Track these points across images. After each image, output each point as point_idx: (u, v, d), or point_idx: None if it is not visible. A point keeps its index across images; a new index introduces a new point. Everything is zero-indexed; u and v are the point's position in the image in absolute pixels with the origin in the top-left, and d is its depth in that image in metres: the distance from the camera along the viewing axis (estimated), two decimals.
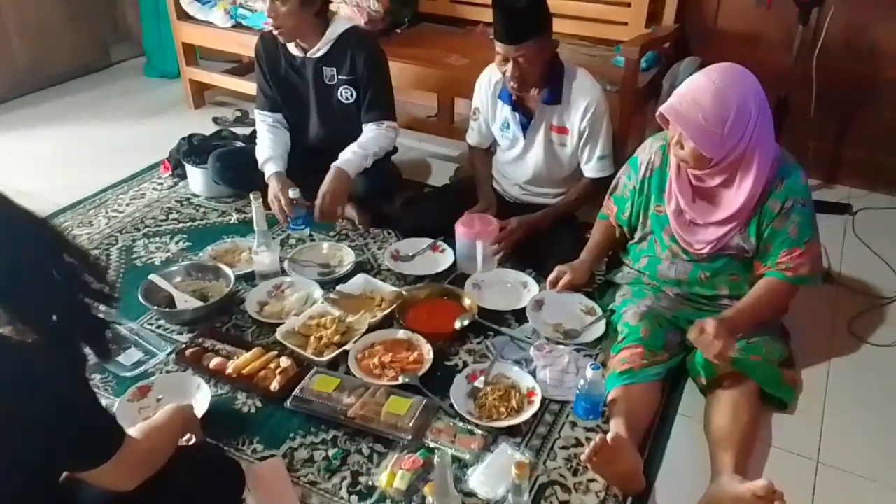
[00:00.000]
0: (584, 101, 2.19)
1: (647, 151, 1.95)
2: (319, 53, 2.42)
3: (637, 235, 2.02)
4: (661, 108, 1.72)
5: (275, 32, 2.37)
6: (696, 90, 1.67)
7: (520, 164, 2.39)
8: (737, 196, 1.75)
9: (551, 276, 2.08)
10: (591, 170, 2.30)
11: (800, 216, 1.74)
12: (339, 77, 2.44)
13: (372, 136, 2.47)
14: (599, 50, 2.96)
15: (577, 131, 2.23)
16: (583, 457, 1.51)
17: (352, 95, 2.47)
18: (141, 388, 1.77)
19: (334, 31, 2.41)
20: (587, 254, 2.10)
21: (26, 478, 1.11)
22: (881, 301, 2.20)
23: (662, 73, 2.82)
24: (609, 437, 1.47)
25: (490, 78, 2.35)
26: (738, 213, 1.76)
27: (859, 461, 1.66)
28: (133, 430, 1.26)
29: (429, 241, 2.40)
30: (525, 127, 2.29)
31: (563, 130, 2.25)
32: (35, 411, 1.04)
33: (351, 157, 2.41)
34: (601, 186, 2.22)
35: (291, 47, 2.44)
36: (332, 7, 2.53)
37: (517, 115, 2.29)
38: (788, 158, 1.78)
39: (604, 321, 2.00)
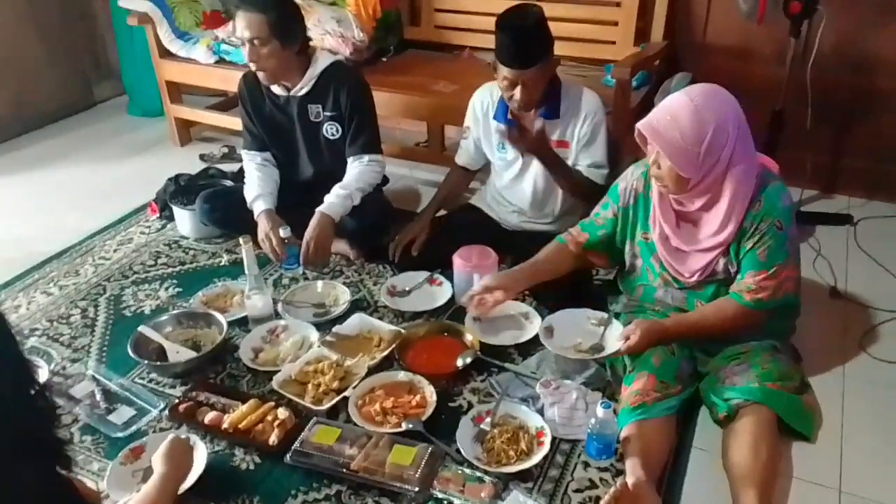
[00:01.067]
0: (584, 111, 2.16)
1: (627, 179, 1.92)
2: (303, 91, 2.37)
3: (627, 265, 1.98)
4: (639, 125, 1.70)
5: (258, 74, 2.32)
6: (674, 108, 1.65)
7: (518, 184, 2.34)
8: (717, 220, 1.72)
9: (472, 290, 1.99)
10: (591, 170, 2.22)
11: (772, 239, 1.69)
12: (325, 113, 2.40)
13: (356, 174, 2.41)
14: (589, 70, 2.94)
15: (576, 142, 2.19)
16: (601, 500, 1.44)
17: (337, 131, 2.42)
18: (134, 450, 1.69)
19: (316, 67, 2.36)
20: (528, 265, 2.03)
21: None
22: (891, 314, 2.15)
23: (654, 91, 2.79)
24: (630, 482, 1.40)
25: (482, 100, 2.31)
26: (720, 237, 1.73)
27: (882, 487, 1.60)
28: None
29: (425, 274, 2.34)
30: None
31: (563, 144, 2.21)
32: None
33: (334, 202, 2.35)
34: (595, 191, 2.13)
35: (275, 87, 2.39)
36: (314, 42, 2.48)
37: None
38: (772, 178, 1.74)
39: (618, 324, 1.91)
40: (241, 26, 2.22)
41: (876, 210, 2.73)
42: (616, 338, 1.81)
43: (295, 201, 2.46)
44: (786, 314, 1.86)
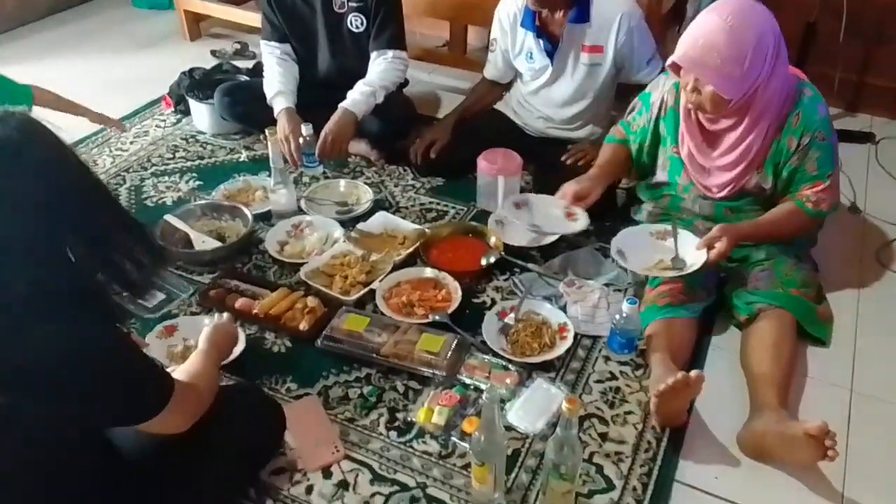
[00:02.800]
0: (617, 14, 2.10)
1: (659, 89, 1.89)
2: None
3: (657, 176, 1.98)
4: (674, 58, 1.65)
5: None
6: (709, 33, 1.59)
7: (547, 92, 2.31)
8: (743, 135, 1.71)
9: (558, 194, 1.98)
10: (646, 75, 2.19)
11: (819, 151, 1.70)
12: (349, 4, 2.32)
13: (380, 71, 2.37)
14: None
15: (612, 47, 2.14)
16: (655, 390, 1.46)
17: (362, 24, 2.36)
18: (167, 328, 1.74)
19: None
20: (597, 168, 2.02)
21: (74, 435, 1.10)
22: None
23: None
24: (693, 374, 1.42)
25: (508, 10, 2.25)
26: (747, 154, 1.73)
27: (893, 389, 1.67)
28: (178, 373, 1.23)
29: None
30: (551, 54, 2.20)
31: (596, 49, 2.16)
32: (83, 377, 1.01)
33: (358, 98, 2.32)
34: None
35: None
36: None
37: (542, 41, 2.19)
38: (807, 91, 1.72)
39: (686, 232, 1.81)
40: None
41: None
42: (694, 247, 1.74)
43: (314, 99, 2.42)
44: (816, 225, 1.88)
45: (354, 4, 2.32)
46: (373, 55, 2.38)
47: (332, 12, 2.36)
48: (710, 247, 1.70)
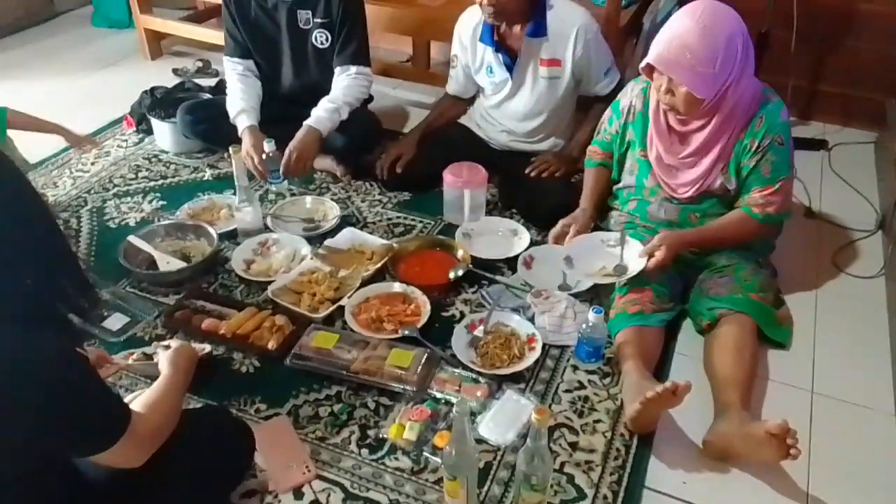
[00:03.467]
0: (573, 28, 2.14)
1: (628, 96, 1.94)
2: None
3: (623, 181, 2.02)
4: (649, 60, 1.69)
5: None
6: (682, 34, 1.63)
7: (508, 106, 2.34)
8: (711, 135, 1.76)
9: (555, 231, 1.99)
10: (604, 87, 2.27)
11: (776, 155, 1.74)
12: (315, 20, 2.33)
13: (343, 87, 2.37)
14: None
15: (570, 60, 2.18)
16: (647, 395, 1.45)
17: (327, 39, 2.37)
18: (131, 354, 1.69)
19: None
20: (586, 201, 2.04)
21: (29, 463, 1.07)
22: (861, 234, 2.24)
23: (641, 11, 2.77)
24: (681, 383, 1.43)
25: (468, 23, 2.28)
26: (712, 151, 1.77)
27: (852, 389, 1.71)
28: (136, 403, 1.21)
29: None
30: (510, 68, 2.23)
31: (554, 63, 2.19)
32: (36, 400, 0.98)
33: (322, 115, 2.32)
34: (613, 98, 2.15)
35: None
36: None
37: (500, 55, 2.23)
38: (771, 95, 1.78)
39: (634, 241, 1.86)
40: None
41: (849, 136, 2.81)
42: (637, 255, 1.79)
43: (278, 115, 2.42)
44: (771, 231, 1.93)
45: (319, 20, 2.33)
46: (336, 71, 2.39)
47: (296, 28, 2.36)
48: (651, 255, 1.75)
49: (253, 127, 2.32)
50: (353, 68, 2.37)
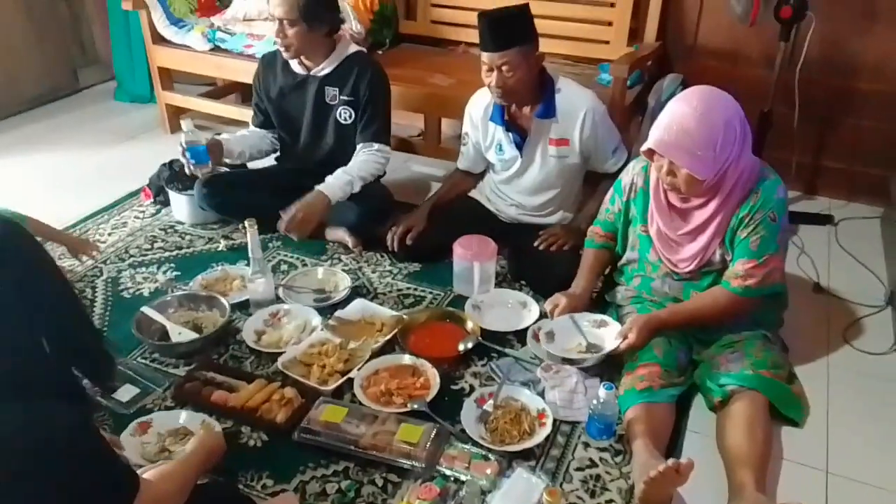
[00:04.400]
0: (581, 110, 2.21)
1: (629, 174, 1.98)
2: (324, 72, 2.44)
3: (626, 257, 2.04)
4: (650, 144, 1.73)
5: (281, 49, 2.40)
6: (681, 119, 1.69)
7: (517, 181, 2.40)
8: (712, 213, 1.80)
9: (548, 304, 2.03)
10: (612, 164, 2.34)
11: (766, 229, 1.76)
12: (341, 97, 2.44)
13: (361, 160, 2.45)
14: (582, 68, 2.99)
15: (578, 140, 2.24)
16: (646, 477, 1.45)
17: (350, 116, 2.46)
18: (141, 425, 1.70)
19: (342, 52, 2.44)
20: (583, 279, 2.07)
21: None
22: (871, 309, 2.24)
23: (646, 90, 2.86)
24: (683, 461, 1.43)
25: (480, 103, 2.36)
26: (711, 225, 1.80)
27: (867, 469, 1.68)
28: (151, 473, 1.21)
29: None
30: (520, 146, 2.29)
31: (562, 142, 2.26)
32: (49, 469, 1.00)
33: (334, 183, 2.41)
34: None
35: (294, 64, 2.45)
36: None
37: (511, 134, 2.29)
38: (769, 172, 1.81)
39: (615, 324, 1.94)
40: (274, 3, 2.31)
41: (855, 211, 2.84)
42: (613, 336, 1.87)
43: (291, 185, 2.50)
44: (775, 305, 1.94)
45: (346, 98, 2.44)
46: (359, 146, 2.48)
47: (322, 103, 2.47)
48: (625, 336, 1.80)
49: (212, 138, 2.48)
50: (376, 145, 2.47)
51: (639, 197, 1.95)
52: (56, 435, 1.00)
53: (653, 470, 1.44)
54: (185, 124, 2.38)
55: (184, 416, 1.75)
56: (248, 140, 2.63)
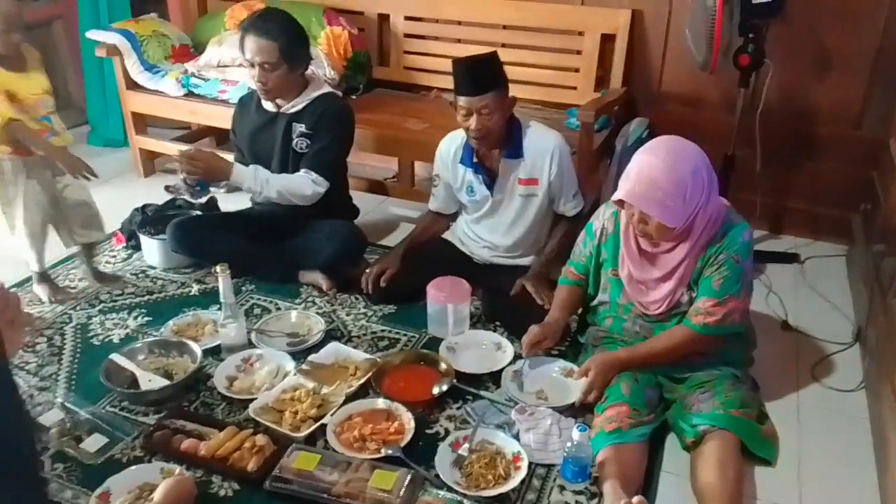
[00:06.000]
0: (548, 149, 2.27)
1: (600, 219, 2.02)
2: (293, 110, 2.48)
3: (597, 299, 2.07)
4: (621, 195, 1.77)
5: (259, 92, 2.45)
6: (649, 171, 1.73)
7: (489, 222, 2.44)
8: (678, 255, 1.84)
9: (525, 339, 2.04)
10: (571, 208, 2.39)
11: (729, 270, 1.80)
12: (301, 130, 2.48)
13: (291, 177, 2.47)
14: (550, 113, 3.06)
15: (546, 179, 2.29)
16: None
17: (306, 146, 2.49)
18: (101, 497, 1.62)
19: (313, 91, 2.49)
20: (557, 311, 2.10)
21: None
22: (838, 346, 2.28)
23: (613, 134, 2.94)
24: (635, 500, 1.45)
25: (449, 146, 2.40)
26: (679, 269, 1.84)
27: None
28: None
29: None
30: (490, 186, 2.33)
31: (531, 182, 2.31)
32: None
33: (247, 170, 2.44)
34: (578, 222, 2.29)
35: (267, 104, 2.50)
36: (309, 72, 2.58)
37: (480, 176, 2.33)
38: (734, 216, 1.86)
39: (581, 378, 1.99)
40: (252, 50, 2.35)
41: (821, 250, 2.91)
42: (577, 387, 1.91)
43: (266, 229, 2.53)
44: (741, 344, 1.97)
45: (303, 130, 2.47)
46: (301, 171, 2.48)
47: (288, 138, 2.50)
48: (584, 374, 1.86)
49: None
50: (313, 174, 2.45)
51: (609, 241, 1.99)
52: None
53: None
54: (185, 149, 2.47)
55: (141, 472, 1.69)
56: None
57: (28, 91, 2.20)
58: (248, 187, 2.46)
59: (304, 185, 2.46)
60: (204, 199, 2.56)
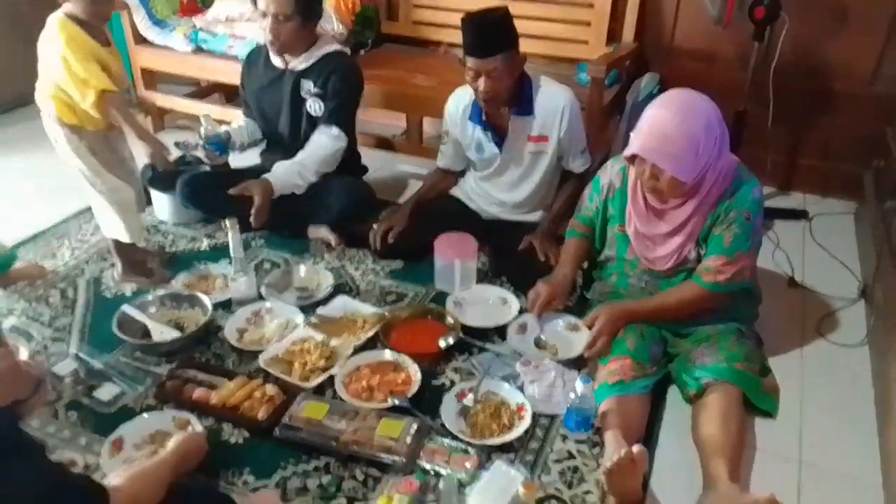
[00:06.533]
0: (559, 106, 2.24)
1: (607, 173, 2.01)
2: (300, 67, 2.46)
3: (604, 254, 2.07)
4: (634, 150, 1.75)
5: (269, 44, 2.42)
6: (662, 125, 1.71)
7: (498, 179, 2.43)
8: (687, 211, 1.83)
9: (531, 295, 2.05)
10: (579, 165, 2.37)
11: (739, 228, 1.79)
12: (313, 90, 2.46)
13: (314, 146, 2.45)
14: (560, 68, 3.02)
15: (556, 136, 2.27)
16: (603, 469, 1.51)
17: (320, 108, 2.48)
18: (114, 443, 1.66)
19: (320, 48, 2.46)
20: (563, 266, 2.11)
21: None
22: (844, 302, 2.29)
23: (624, 90, 2.90)
24: (635, 449, 1.46)
25: (458, 104, 2.38)
26: (688, 226, 1.84)
27: (839, 459, 1.72)
28: (121, 477, 1.23)
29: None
30: (499, 144, 2.32)
31: (542, 139, 2.29)
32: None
33: (282, 174, 2.40)
34: (585, 179, 2.27)
35: (275, 59, 2.48)
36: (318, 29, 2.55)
37: (489, 133, 2.32)
38: (745, 173, 1.85)
39: (585, 333, 2.02)
40: (267, 0, 2.32)
41: (829, 207, 2.89)
42: (582, 341, 1.93)
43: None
44: (748, 300, 1.98)
45: (316, 91, 2.45)
46: (318, 129, 2.48)
47: (297, 96, 2.49)
48: (592, 323, 1.86)
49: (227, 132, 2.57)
50: (335, 129, 2.45)
51: (616, 197, 1.98)
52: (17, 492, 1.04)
53: (608, 461, 1.48)
54: (205, 119, 2.49)
55: (153, 420, 1.73)
56: (244, 129, 2.66)
57: (115, 63, 2.13)
58: (293, 186, 2.42)
59: (328, 145, 2.46)
60: (222, 161, 2.56)
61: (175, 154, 2.96)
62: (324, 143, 2.46)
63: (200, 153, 2.50)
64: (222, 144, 2.51)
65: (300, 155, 2.45)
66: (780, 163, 2.93)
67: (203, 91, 3.71)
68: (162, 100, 3.51)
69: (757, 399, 1.79)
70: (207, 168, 2.80)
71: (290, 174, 2.41)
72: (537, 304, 2.02)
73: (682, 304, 1.87)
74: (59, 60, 1.99)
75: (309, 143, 2.47)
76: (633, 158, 1.81)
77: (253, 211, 2.30)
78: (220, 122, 2.70)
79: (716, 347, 1.83)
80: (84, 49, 2.01)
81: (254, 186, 2.31)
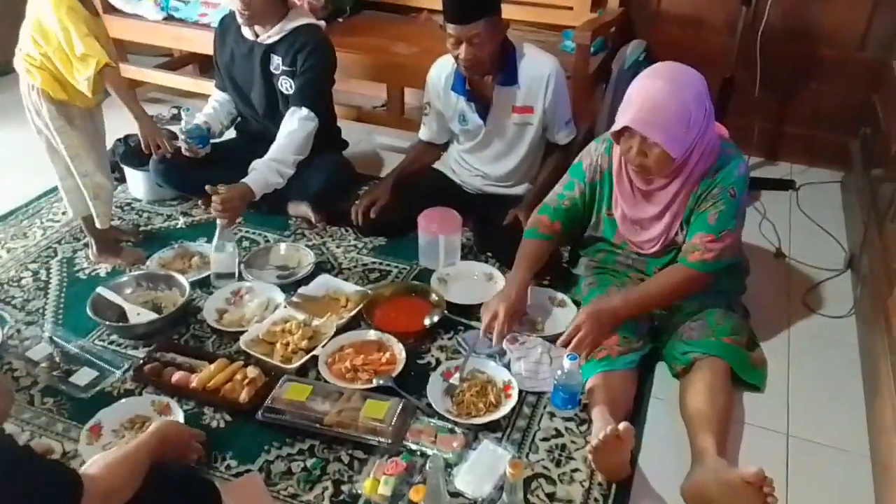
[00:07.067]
0: (544, 75, 2.17)
1: (591, 155, 1.93)
2: (270, 40, 2.36)
3: (590, 233, 2.03)
4: (625, 122, 1.66)
5: (239, 13, 2.30)
6: (653, 96, 1.64)
7: (482, 152, 2.37)
8: (672, 190, 1.79)
9: (485, 317, 1.87)
10: (564, 137, 2.32)
11: (725, 204, 1.74)
12: (283, 67, 2.36)
13: (287, 133, 2.33)
14: (545, 35, 2.95)
15: (541, 106, 2.21)
16: (589, 447, 1.49)
17: (291, 87, 2.39)
18: (92, 429, 1.62)
19: (290, 21, 2.34)
20: (518, 270, 1.92)
21: None
22: (830, 273, 2.27)
23: (609, 58, 2.84)
24: (621, 427, 1.44)
25: (440, 73, 2.31)
26: (674, 206, 1.80)
27: (827, 431, 1.72)
28: (95, 465, 1.20)
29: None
30: (483, 115, 2.26)
31: (526, 110, 2.23)
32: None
33: (259, 176, 2.25)
34: (570, 151, 2.23)
35: (246, 30, 2.38)
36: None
37: (473, 104, 2.26)
38: (730, 149, 1.80)
39: (572, 307, 1.99)
40: None
41: (816, 176, 2.87)
42: (568, 320, 1.88)
43: (248, 151, 2.42)
44: (736, 273, 1.96)
45: (285, 68, 2.36)
46: (288, 112, 2.38)
47: (268, 72, 2.40)
48: (577, 329, 1.74)
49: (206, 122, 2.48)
50: (304, 109, 2.34)
51: (604, 178, 1.91)
52: None
53: (594, 439, 1.46)
54: (185, 114, 2.40)
55: (132, 404, 1.70)
56: (220, 113, 2.57)
57: (103, 35, 2.01)
58: (274, 185, 2.29)
59: (299, 130, 2.34)
60: (206, 153, 2.44)
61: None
62: (294, 128, 2.34)
63: (183, 146, 2.38)
64: (204, 137, 2.41)
65: (274, 149, 2.32)
66: (768, 131, 2.90)
67: (176, 62, 3.60)
68: (133, 72, 3.39)
69: (744, 373, 1.78)
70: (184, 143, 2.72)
71: (268, 173, 2.28)
72: (496, 329, 1.83)
73: (671, 288, 1.79)
74: (60, 31, 1.89)
75: (280, 132, 2.36)
76: (618, 136, 1.74)
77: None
78: (193, 95, 2.61)
79: (703, 321, 1.81)
80: (85, 21, 1.91)
81: (233, 192, 2.17)
